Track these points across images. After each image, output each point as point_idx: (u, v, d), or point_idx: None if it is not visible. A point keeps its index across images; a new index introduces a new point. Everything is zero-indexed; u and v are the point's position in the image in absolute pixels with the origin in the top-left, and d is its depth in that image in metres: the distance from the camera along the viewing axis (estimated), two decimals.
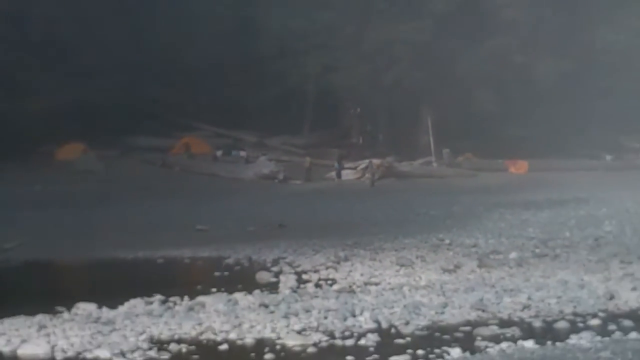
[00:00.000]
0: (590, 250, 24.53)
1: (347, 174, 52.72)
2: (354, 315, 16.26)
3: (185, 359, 13.84)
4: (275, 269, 22.76)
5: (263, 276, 21.52)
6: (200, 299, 18.11)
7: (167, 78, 57.18)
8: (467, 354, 13.45)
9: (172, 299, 18.18)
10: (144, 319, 16.30)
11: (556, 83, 56.65)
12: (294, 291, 19.31)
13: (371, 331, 15.24)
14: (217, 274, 22.68)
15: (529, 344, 14.03)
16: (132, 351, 14.15)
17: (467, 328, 15.42)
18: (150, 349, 14.34)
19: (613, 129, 59.32)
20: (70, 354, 14.17)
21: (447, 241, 26.94)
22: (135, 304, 17.66)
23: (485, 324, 15.70)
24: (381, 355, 13.59)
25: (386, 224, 31.84)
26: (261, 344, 14.64)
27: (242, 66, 58.13)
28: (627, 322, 15.63)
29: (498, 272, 21.01)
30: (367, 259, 23.64)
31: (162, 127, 57.90)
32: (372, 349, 14.20)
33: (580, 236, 27.33)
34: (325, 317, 16.12)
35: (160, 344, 14.63)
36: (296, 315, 16.30)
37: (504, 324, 15.72)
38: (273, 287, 19.93)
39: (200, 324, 15.81)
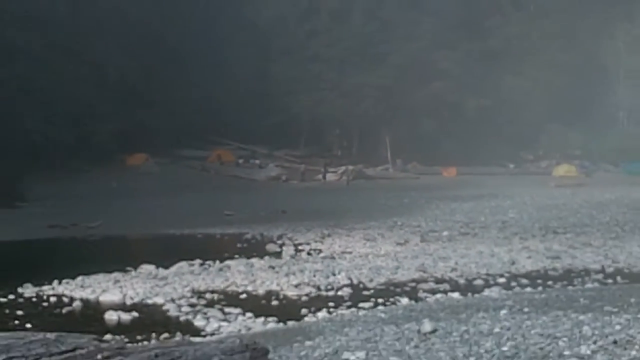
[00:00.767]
0: (499, 230, 24.66)
1: (330, 177, 52.57)
2: (334, 275, 16.29)
3: (216, 303, 13.83)
4: (279, 242, 22.79)
5: (271, 247, 21.55)
6: (227, 262, 18.17)
7: (209, 108, 56.48)
8: (413, 302, 13.50)
9: (207, 262, 18.21)
10: (187, 276, 16.32)
11: (477, 113, 56.98)
12: (293, 257, 19.36)
13: (346, 286, 15.28)
14: (239, 245, 22.71)
15: (456, 295, 14.11)
16: (179, 298, 14.17)
17: (413, 284, 15.48)
18: (192, 297, 14.36)
19: (515, 145, 59.56)
20: (136, 300, 14.21)
21: (400, 223, 26.98)
22: (182, 266, 17.67)
23: (425, 281, 15.76)
24: (353, 302, 13.62)
25: (357, 211, 31.84)
26: (269, 294, 14.67)
27: (257, 100, 57.85)
28: (524, 281, 15.73)
29: (434, 245, 21.11)
30: (343, 236, 23.69)
31: (201, 142, 57.64)
32: (346, 298, 14.25)
33: (492, 220, 27.43)
34: (314, 276, 16.15)
35: (199, 294, 14.65)
36: (294, 274, 16.34)
37: (439, 281, 15.78)
38: (278, 255, 19.96)
39: (227, 280, 15.84)
